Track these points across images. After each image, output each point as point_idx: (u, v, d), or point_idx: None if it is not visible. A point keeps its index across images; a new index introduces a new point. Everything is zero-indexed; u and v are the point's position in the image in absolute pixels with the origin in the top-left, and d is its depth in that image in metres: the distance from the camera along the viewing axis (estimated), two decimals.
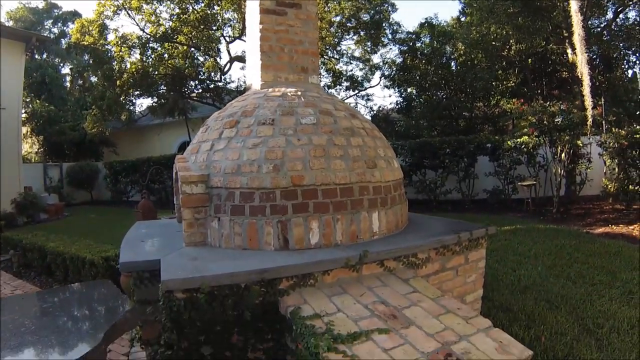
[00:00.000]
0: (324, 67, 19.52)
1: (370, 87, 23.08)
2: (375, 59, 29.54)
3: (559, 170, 9.74)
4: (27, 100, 21.21)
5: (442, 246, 3.23)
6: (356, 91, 20.76)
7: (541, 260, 6.30)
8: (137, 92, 17.47)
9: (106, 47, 16.79)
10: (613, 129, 10.07)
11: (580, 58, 11.41)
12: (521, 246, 7.11)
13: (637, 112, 16.29)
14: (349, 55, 20.41)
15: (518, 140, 10.33)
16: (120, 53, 16.74)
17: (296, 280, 2.66)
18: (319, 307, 2.49)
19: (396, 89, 19.82)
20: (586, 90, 11.21)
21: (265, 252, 2.96)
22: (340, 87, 20.23)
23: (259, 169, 3.04)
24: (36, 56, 24.38)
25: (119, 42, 16.62)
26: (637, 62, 16.56)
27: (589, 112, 10.98)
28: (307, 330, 2.27)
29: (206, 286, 2.45)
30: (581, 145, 9.99)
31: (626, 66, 16.88)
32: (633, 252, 6.38)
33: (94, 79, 21.19)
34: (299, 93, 3.67)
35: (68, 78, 27.65)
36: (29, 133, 20.79)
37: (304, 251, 2.95)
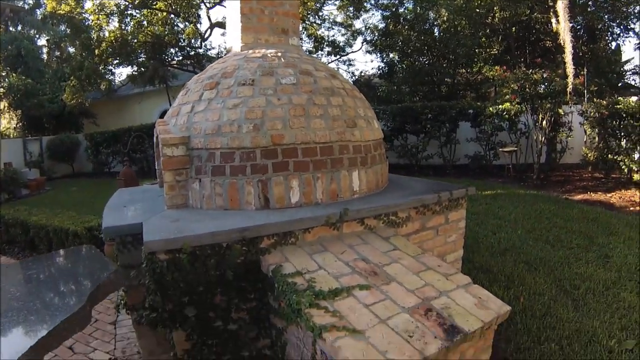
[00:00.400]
0: (305, 32, 19.26)
1: (352, 52, 22.93)
2: (358, 24, 29.25)
3: (540, 138, 9.85)
4: (3, 74, 20.57)
5: (423, 205, 3.27)
6: (338, 56, 20.58)
7: (521, 224, 6.44)
8: (117, 61, 17.10)
9: (83, 15, 16.33)
10: (594, 99, 10.14)
11: (563, 25, 11.38)
12: (501, 210, 7.24)
13: (619, 84, 16.44)
14: (331, 20, 20.19)
15: (500, 106, 10.37)
16: (98, 21, 16.30)
17: (277, 239, 2.67)
18: (300, 264, 2.52)
19: (378, 54, 19.56)
20: (568, 57, 11.23)
21: (246, 212, 2.97)
22: (322, 53, 20.04)
23: (239, 129, 3.02)
24: (10, 28, 23.52)
25: (97, 10, 16.16)
26: (621, 34, 16.53)
27: (570, 80, 11.04)
28: (289, 288, 2.30)
29: (188, 246, 2.46)
30: (562, 113, 10.10)
31: (610, 38, 16.84)
32: (610, 219, 6.55)
33: (71, 49, 20.70)
34: (279, 54, 3.63)
35: (45, 49, 26.70)
36: (6, 108, 20.23)
37: (284, 210, 2.97)
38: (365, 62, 35.16)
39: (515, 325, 3.63)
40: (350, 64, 21.34)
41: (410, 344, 1.90)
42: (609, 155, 9.02)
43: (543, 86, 10.46)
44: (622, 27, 16.10)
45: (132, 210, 3.44)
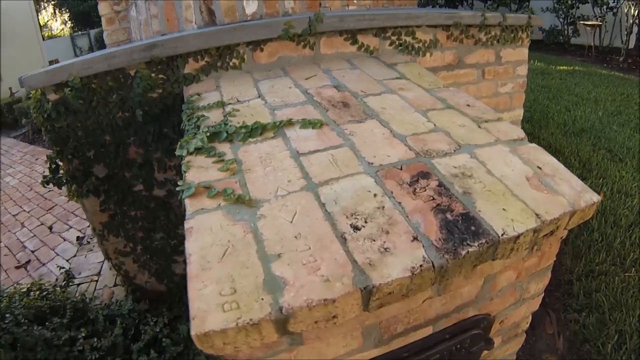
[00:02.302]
0: None
1: None
2: None
3: (633, 11, 8.03)
4: None
5: (456, 24, 2.13)
6: None
7: (602, 105, 5.27)
8: None
9: None
10: None
11: None
12: (579, 87, 6.02)
13: None
14: None
15: None
16: None
17: (210, 60, 1.74)
18: (231, 93, 1.59)
19: None
20: None
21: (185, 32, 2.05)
22: None
23: None
24: None
25: None
26: None
27: None
28: (191, 123, 1.39)
29: (76, 78, 1.62)
30: None
31: None
32: None
33: None
34: None
35: None
36: (54, 10, 20.32)
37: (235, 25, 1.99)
38: None
39: (590, 232, 2.57)
40: None
41: (345, 249, 0.84)
42: None
43: None
44: None
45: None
